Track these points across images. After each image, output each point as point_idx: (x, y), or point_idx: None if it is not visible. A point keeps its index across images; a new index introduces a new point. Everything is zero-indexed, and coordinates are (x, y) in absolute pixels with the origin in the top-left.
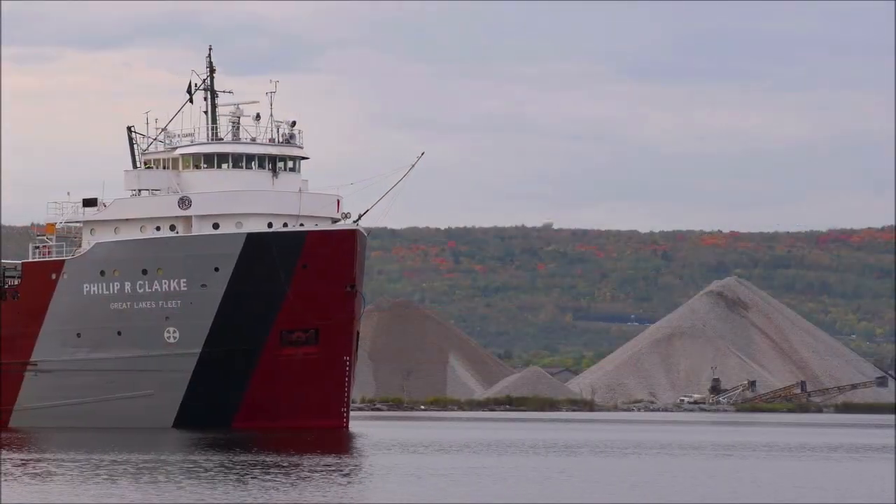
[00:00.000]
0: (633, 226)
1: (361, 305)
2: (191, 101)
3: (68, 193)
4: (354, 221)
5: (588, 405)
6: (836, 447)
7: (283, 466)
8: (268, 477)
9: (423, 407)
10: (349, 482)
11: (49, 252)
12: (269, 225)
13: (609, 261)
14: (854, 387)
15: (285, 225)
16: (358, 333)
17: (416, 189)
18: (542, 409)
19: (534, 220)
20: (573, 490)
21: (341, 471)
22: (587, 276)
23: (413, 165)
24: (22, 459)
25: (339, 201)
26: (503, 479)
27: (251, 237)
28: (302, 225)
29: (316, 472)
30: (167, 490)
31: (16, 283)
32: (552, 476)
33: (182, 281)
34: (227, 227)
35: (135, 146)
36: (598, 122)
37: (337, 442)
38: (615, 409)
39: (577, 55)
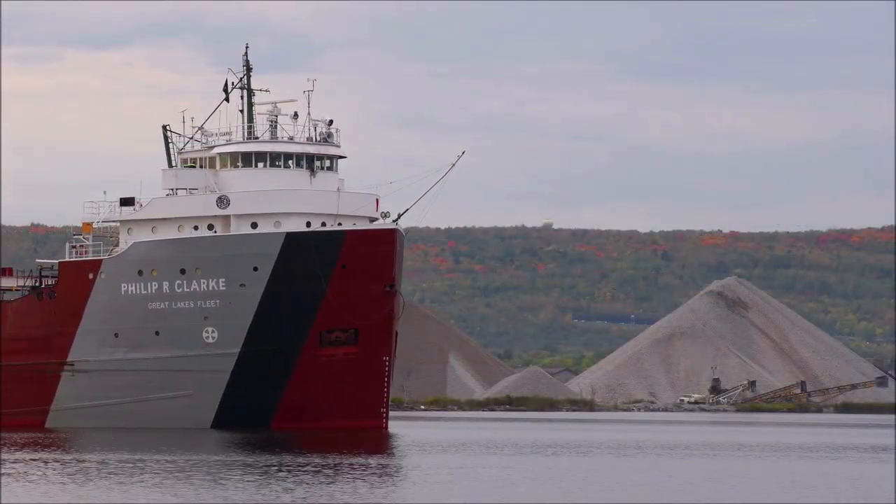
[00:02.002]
0: (633, 226)
1: (401, 305)
2: (227, 99)
3: (104, 193)
4: (394, 221)
5: (588, 405)
6: (835, 447)
7: (334, 467)
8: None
9: (423, 407)
10: (425, 482)
11: (85, 251)
12: (308, 224)
13: (609, 261)
14: (854, 387)
15: (323, 224)
16: (397, 333)
17: (416, 188)
18: (542, 409)
19: (534, 220)
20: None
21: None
22: (587, 276)
23: (453, 165)
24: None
25: (377, 200)
26: (581, 479)
27: (290, 236)
28: (340, 224)
29: (382, 472)
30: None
31: (52, 282)
32: (627, 477)
33: (221, 281)
34: (265, 227)
35: (170, 145)
36: (599, 122)
37: (381, 442)
38: (615, 409)
39: (577, 55)
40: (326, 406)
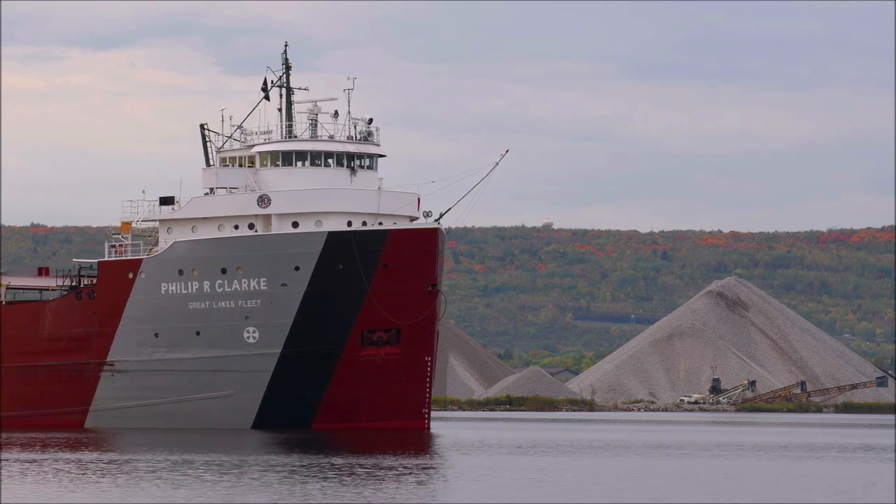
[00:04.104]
0: (633, 226)
1: (443, 305)
2: (267, 98)
3: (143, 192)
4: (436, 220)
5: (588, 405)
6: (835, 447)
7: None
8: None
9: None
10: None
11: (125, 251)
12: (349, 223)
13: (609, 261)
14: (854, 387)
15: (364, 223)
16: (438, 333)
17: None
18: (542, 409)
19: (534, 220)
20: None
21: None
22: (587, 276)
23: (497, 163)
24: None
25: (418, 199)
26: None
27: (332, 236)
28: (381, 223)
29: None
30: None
31: (91, 282)
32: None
33: (262, 280)
34: (306, 226)
35: (208, 144)
36: (599, 121)
37: (428, 444)
38: (615, 409)
39: (577, 55)
40: (368, 407)
